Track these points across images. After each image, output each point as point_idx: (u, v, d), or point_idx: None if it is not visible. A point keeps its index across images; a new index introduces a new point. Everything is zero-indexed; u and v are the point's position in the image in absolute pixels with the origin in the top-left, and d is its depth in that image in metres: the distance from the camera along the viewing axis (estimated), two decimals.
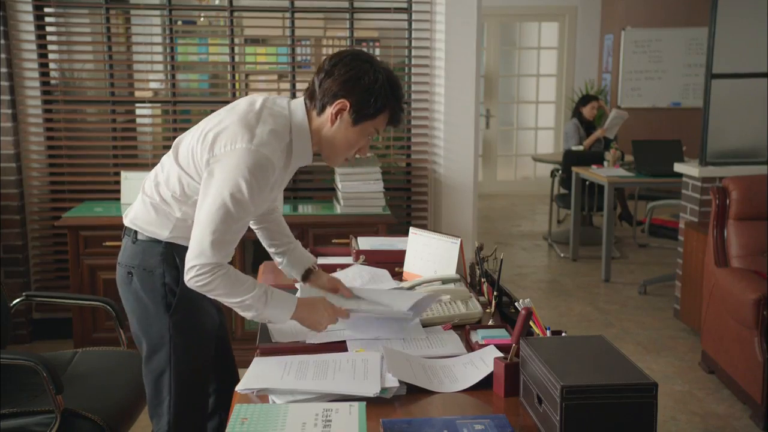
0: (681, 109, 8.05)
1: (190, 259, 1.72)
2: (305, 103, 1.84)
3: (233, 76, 4.15)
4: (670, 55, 8.05)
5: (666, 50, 8.05)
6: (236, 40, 4.15)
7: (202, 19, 4.64)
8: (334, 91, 1.79)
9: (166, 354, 1.91)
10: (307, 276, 2.14)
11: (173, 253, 1.89)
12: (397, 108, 1.85)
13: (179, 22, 4.27)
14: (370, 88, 1.79)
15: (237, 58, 4.18)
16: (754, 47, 4.12)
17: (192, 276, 1.72)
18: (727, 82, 4.12)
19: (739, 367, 3.23)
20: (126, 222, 1.94)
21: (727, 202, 3.59)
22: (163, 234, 1.88)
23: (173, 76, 4.13)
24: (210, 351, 2.01)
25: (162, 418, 1.95)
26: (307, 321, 1.83)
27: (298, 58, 4.31)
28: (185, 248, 1.77)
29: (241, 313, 1.81)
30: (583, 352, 1.54)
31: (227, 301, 1.77)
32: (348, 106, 1.79)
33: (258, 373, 1.61)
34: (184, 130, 4.13)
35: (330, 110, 1.81)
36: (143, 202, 1.92)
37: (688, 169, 4.29)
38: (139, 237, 1.91)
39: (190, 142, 1.85)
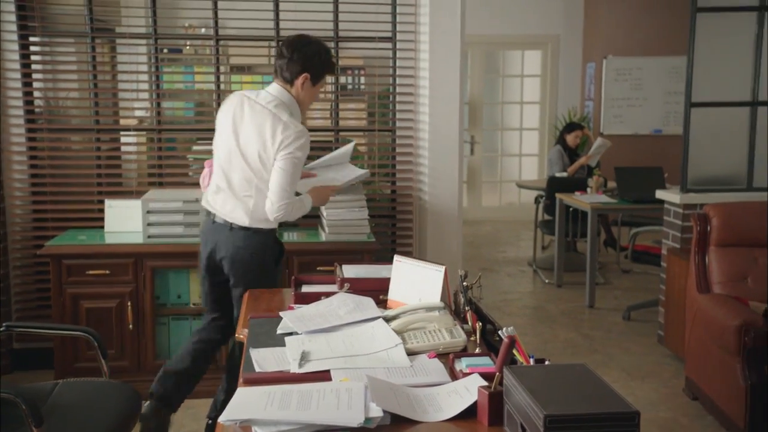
0: (662, 136, 8.17)
1: (278, 202, 2.77)
2: (282, 84, 2.84)
3: (218, 104, 4.16)
4: (651, 83, 8.19)
5: (647, 78, 8.19)
6: (222, 68, 4.18)
7: (187, 47, 4.67)
8: (299, 69, 2.81)
9: None
10: None
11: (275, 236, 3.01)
12: (331, 66, 2.91)
13: (165, 50, 4.29)
14: (320, 62, 2.84)
15: (223, 86, 4.20)
16: (732, 76, 4.20)
17: (281, 211, 2.78)
18: (706, 110, 4.19)
19: (723, 394, 3.24)
20: (245, 222, 2.86)
21: (708, 228, 3.63)
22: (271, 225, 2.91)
23: (158, 104, 4.14)
24: None
25: None
26: (319, 200, 3.07)
27: None
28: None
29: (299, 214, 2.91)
30: (566, 381, 1.55)
31: (295, 216, 2.87)
32: (309, 76, 2.83)
33: (241, 404, 1.60)
34: (170, 157, 4.18)
35: (297, 82, 2.83)
36: (247, 207, 2.85)
37: (669, 195, 4.34)
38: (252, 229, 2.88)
39: (257, 151, 2.80)
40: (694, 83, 4.13)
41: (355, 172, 3.32)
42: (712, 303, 3.39)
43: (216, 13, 3.99)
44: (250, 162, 2.83)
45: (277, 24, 4.02)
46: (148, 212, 3.61)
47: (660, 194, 4.46)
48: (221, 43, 4.11)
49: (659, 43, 7.99)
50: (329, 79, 4.33)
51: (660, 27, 7.93)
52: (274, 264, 2.96)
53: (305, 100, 2.89)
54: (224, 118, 2.91)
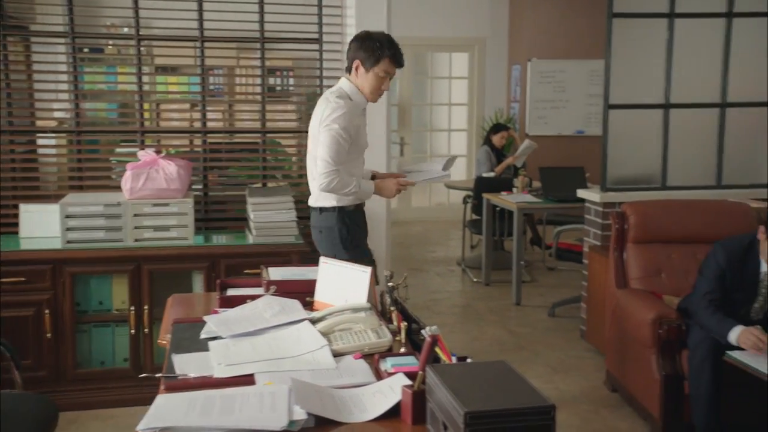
0: (585, 136, 8.42)
1: (320, 171, 2.96)
2: (346, 75, 3.13)
3: (141, 105, 4.07)
4: (573, 86, 8.44)
5: (569, 81, 8.43)
6: (147, 69, 4.08)
7: (110, 46, 4.54)
8: (352, 57, 3.08)
9: None
10: (373, 178, 3.26)
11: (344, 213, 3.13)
12: (393, 54, 3.04)
13: (86, 50, 4.16)
14: (369, 48, 3.03)
15: (148, 87, 4.11)
16: (647, 79, 4.37)
17: (323, 180, 2.95)
18: (623, 112, 4.34)
19: (639, 385, 3.37)
20: (312, 202, 3.18)
21: (626, 226, 3.76)
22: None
23: (77, 105, 4.01)
24: None
25: None
26: (385, 191, 3.17)
27: (212, 87, 4.28)
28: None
29: (350, 195, 3.06)
30: (486, 378, 1.58)
31: (342, 191, 3.00)
32: (360, 62, 3.05)
33: (161, 411, 1.57)
34: (91, 160, 4.05)
35: (353, 69, 3.08)
36: (313, 188, 3.12)
37: (590, 194, 4.48)
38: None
39: (313, 134, 3.09)
40: (612, 86, 4.27)
41: (433, 174, 3.38)
42: (629, 298, 3.52)
43: (137, 12, 3.90)
44: (311, 147, 3.11)
45: (201, 24, 3.96)
46: (67, 217, 3.50)
47: (581, 193, 4.60)
48: (146, 43, 4.01)
49: (580, 46, 8.24)
50: (256, 80, 4.34)
51: (581, 31, 8.18)
52: (342, 245, 3.07)
53: (364, 86, 3.08)
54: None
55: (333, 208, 3.10)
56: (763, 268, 2.96)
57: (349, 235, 3.11)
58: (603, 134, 4.35)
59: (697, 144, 4.48)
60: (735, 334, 2.83)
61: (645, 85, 4.38)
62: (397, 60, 3.04)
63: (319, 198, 3.12)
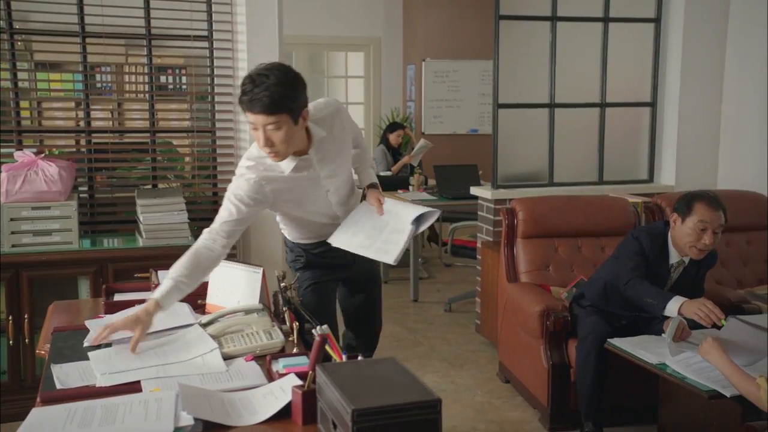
0: (478, 135, 8.65)
1: None
2: None
3: (17, 104, 3.84)
4: (467, 85, 8.64)
5: (462, 80, 8.63)
6: (26, 65, 3.86)
7: None
8: None
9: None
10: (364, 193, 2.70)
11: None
12: (242, 101, 2.20)
13: None
14: None
15: (27, 84, 3.88)
16: (534, 79, 4.53)
17: None
18: (512, 112, 4.49)
19: (529, 375, 3.50)
20: None
21: (515, 221, 3.88)
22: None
23: None
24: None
25: None
26: None
27: (99, 85, 4.10)
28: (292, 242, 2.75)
29: None
30: (375, 375, 1.60)
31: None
32: None
33: (35, 425, 1.49)
34: None
35: None
36: None
37: (482, 192, 4.60)
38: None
39: None
40: (501, 86, 4.41)
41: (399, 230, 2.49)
42: (519, 291, 3.64)
43: (9, 5, 3.69)
44: None
45: (82, 19, 3.79)
46: None
47: (474, 190, 4.71)
48: (24, 37, 3.80)
49: (472, 47, 8.45)
50: (146, 78, 4.20)
51: (472, 32, 8.39)
52: (302, 272, 2.72)
53: None
54: None
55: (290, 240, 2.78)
56: (672, 260, 3.04)
57: (293, 262, 2.83)
58: (493, 133, 4.48)
59: (580, 142, 4.69)
60: (676, 304, 2.74)
61: (532, 85, 4.54)
62: (244, 105, 2.19)
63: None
